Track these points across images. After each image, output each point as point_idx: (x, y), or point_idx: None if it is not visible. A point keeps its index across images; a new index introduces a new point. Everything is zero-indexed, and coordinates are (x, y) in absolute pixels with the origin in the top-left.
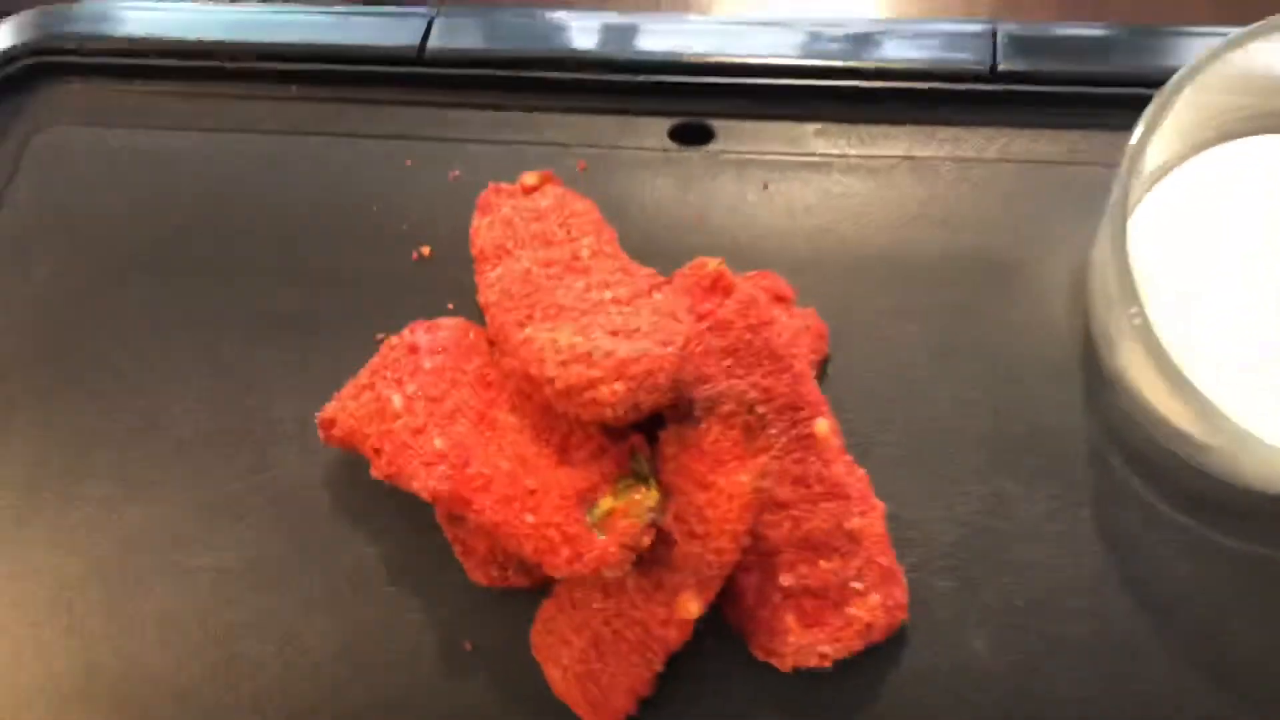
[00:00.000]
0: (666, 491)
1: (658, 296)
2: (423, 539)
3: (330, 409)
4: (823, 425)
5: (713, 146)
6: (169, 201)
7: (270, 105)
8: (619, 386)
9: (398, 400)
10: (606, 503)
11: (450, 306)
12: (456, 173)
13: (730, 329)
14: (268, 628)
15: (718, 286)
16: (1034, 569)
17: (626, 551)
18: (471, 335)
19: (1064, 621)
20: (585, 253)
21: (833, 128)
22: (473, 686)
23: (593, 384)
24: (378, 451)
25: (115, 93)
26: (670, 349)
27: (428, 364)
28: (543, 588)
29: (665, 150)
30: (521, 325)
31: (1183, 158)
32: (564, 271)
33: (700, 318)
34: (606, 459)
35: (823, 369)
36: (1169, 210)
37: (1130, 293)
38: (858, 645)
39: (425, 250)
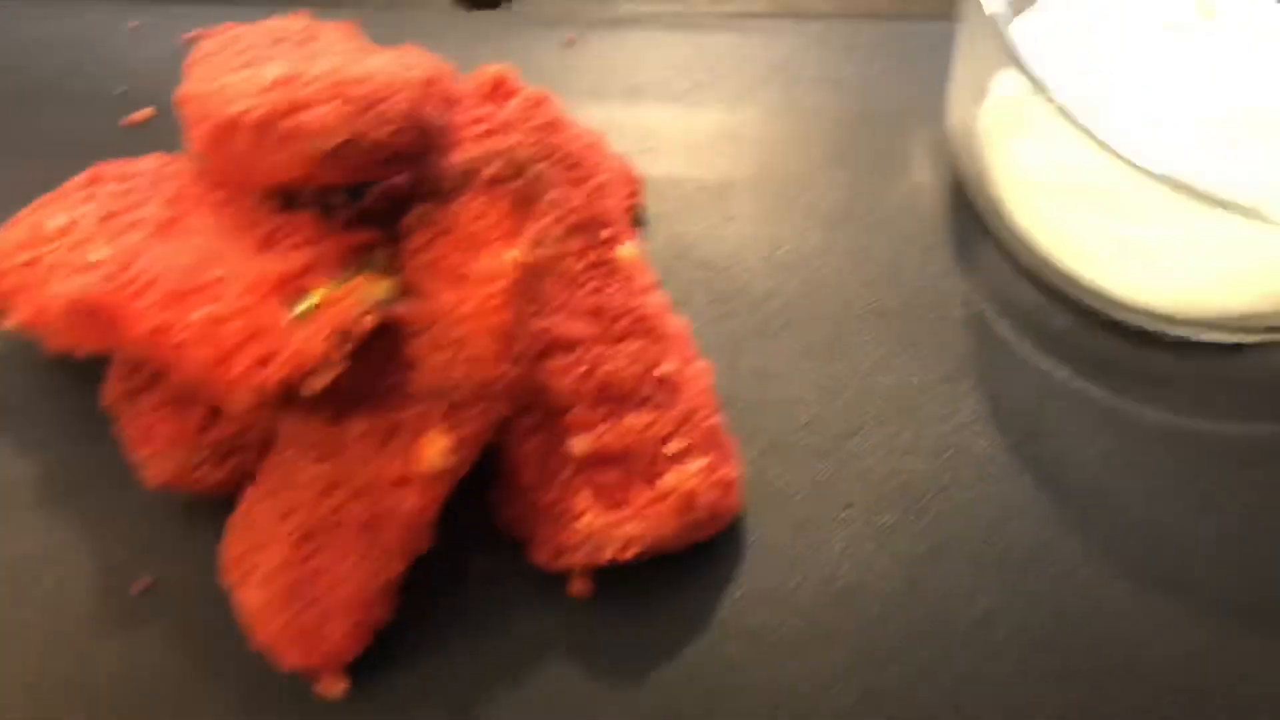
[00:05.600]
0: (410, 299)
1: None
2: (70, 457)
3: None
4: (629, 249)
5: (507, 6)
6: None
7: None
8: (335, 107)
9: (57, 221)
10: (319, 294)
11: None
12: (192, 34)
13: (510, 132)
14: None
15: (499, 91)
16: (911, 454)
17: (336, 342)
18: (174, 166)
19: (953, 516)
20: (328, 34)
21: None
22: (145, 636)
23: (299, 107)
24: (12, 292)
25: None
26: (411, 74)
27: (108, 188)
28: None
29: (450, 13)
30: (217, 80)
31: None
32: (293, 48)
33: (473, 122)
34: (325, 246)
35: (634, 221)
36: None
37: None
38: (672, 527)
39: (143, 114)
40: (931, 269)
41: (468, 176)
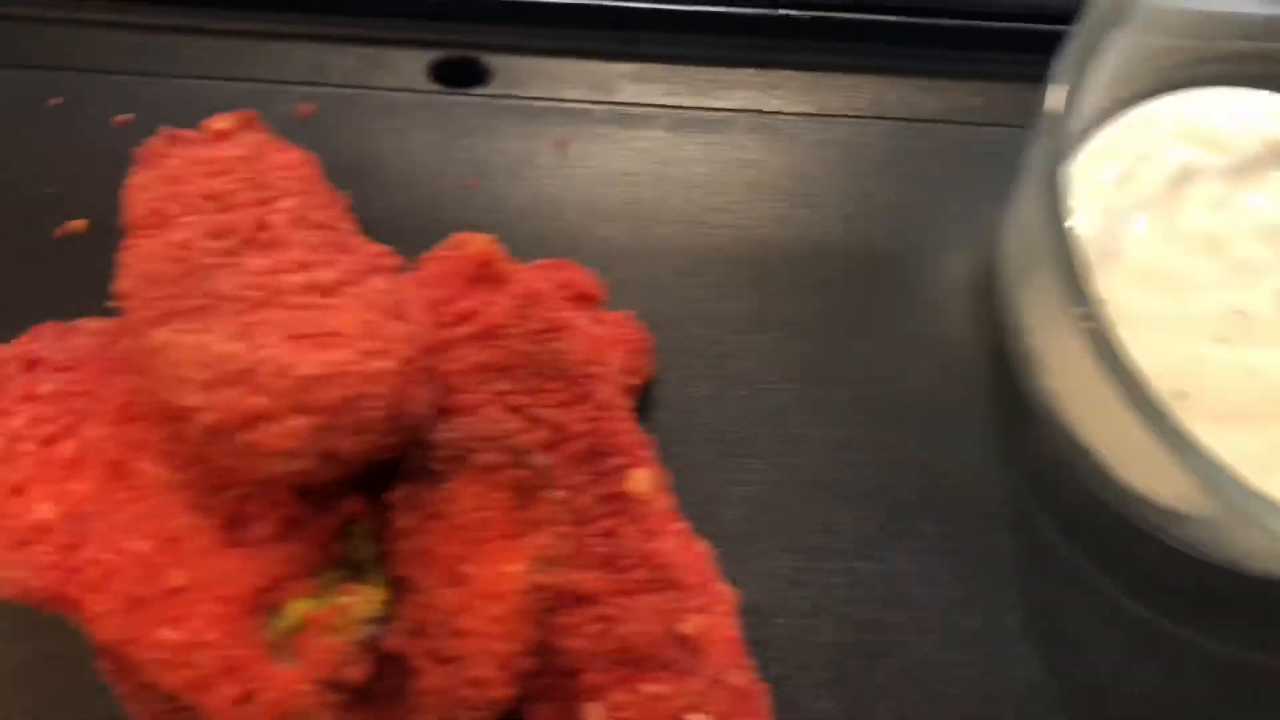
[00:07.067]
0: (399, 589)
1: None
2: None
3: None
4: (641, 479)
5: (489, 89)
6: None
7: None
8: (297, 423)
9: None
10: (298, 608)
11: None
12: (126, 117)
13: (503, 338)
14: None
15: (486, 275)
16: (945, 679)
17: (325, 689)
18: (120, 346)
19: None
20: (280, 219)
21: (652, 70)
22: None
23: (255, 418)
24: None
25: None
26: (387, 362)
27: (48, 386)
28: None
29: (424, 92)
30: (157, 324)
31: (1106, 115)
32: (241, 245)
33: (457, 320)
34: (302, 538)
35: (643, 397)
36: (1094, 187)
37: (1077, 292)
38: None
39: (77, 225)
40: (964, 450)
41: (458, 458)
